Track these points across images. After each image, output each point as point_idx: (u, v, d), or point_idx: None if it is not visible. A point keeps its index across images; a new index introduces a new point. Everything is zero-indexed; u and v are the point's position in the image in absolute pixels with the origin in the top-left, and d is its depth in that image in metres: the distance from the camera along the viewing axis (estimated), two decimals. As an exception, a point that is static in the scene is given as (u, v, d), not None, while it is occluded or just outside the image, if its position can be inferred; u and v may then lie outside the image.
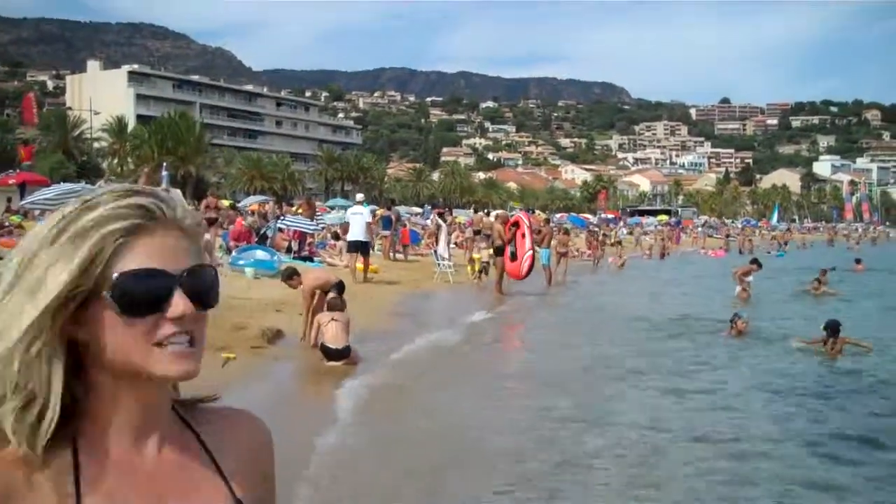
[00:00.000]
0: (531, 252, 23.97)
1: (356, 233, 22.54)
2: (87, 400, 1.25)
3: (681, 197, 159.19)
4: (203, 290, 1.25)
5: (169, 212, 1.25)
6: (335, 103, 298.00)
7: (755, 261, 25.43)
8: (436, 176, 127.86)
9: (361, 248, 22.53)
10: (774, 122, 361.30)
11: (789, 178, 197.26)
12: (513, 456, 8.07)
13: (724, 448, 8.49)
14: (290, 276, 13.87)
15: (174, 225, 1.25)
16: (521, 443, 8.56)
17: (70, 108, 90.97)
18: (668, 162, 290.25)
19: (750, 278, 24.13)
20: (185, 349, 1.22)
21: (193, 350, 1.24)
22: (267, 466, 1.45)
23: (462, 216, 53.76)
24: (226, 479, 1.34)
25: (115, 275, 1.19)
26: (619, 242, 49.36)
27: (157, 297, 1.20)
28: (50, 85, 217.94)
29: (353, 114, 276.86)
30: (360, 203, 24.58)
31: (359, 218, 22.88)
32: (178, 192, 34.16)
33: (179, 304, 1.21)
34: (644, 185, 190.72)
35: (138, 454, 1.28)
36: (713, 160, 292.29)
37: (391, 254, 29.17)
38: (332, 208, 47.65)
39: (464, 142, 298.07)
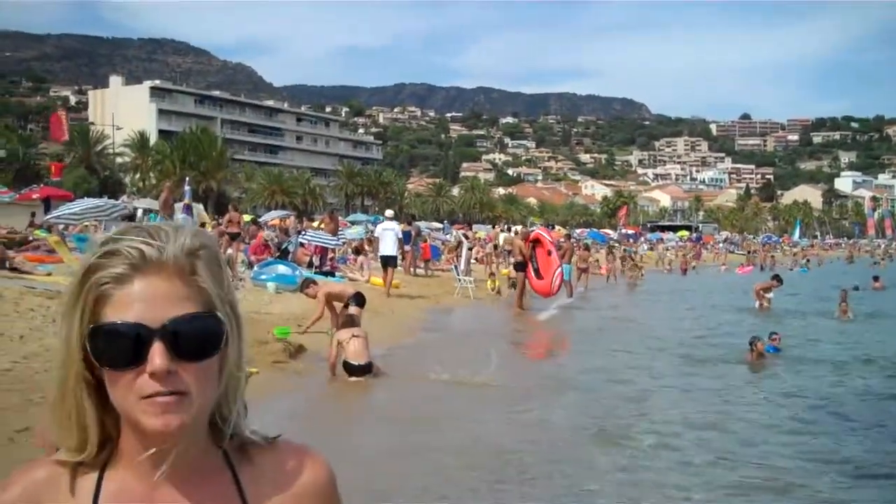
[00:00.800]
0: (560, 269, 23.91)
1: (386, 247, 23.13)
2: (117, 435, 1.29)
3: (701, 213, 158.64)
4: (189, 343, 1.20)
5: (158, 254, 1.21)
6: (355, 119, 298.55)
7: (776, 276, 25.33)
8: (455, 191, 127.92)
9: (390, 262, 23.01)
10: (795, 137, 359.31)
11: (811, 194, 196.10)
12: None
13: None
14: (307, 285, 13.96)
15: (167, 267, 1.21)
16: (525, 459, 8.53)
17: (93, 124, 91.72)
18: (688, 178, 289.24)
19: (770, 294, 24.02)
20: (170, 402, 1.19)
21: (180, 402, 1.20)
22: None
23: (482, 231, 53.83)
24: None
25: (90, 328, 1.20)
26: (631, 258, 49.03)
27: (131, 352, 1.18)
28: (73, 100, 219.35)
29: (374, 129, 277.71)
30: (390, 219, 25.27)
31: (389, 233, 23.49)
32: (200, 206, 34.37)
33: (156, 359, 1.17)
34: (664, 200, 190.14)
35: (156, 489, 1.28)
36: (734, 176, 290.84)
37: (412, 269, 29.20)
38: (353, 223, 47.79)
39: (483, 157, 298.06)
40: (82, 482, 1.29)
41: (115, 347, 1.19)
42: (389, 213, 26.97)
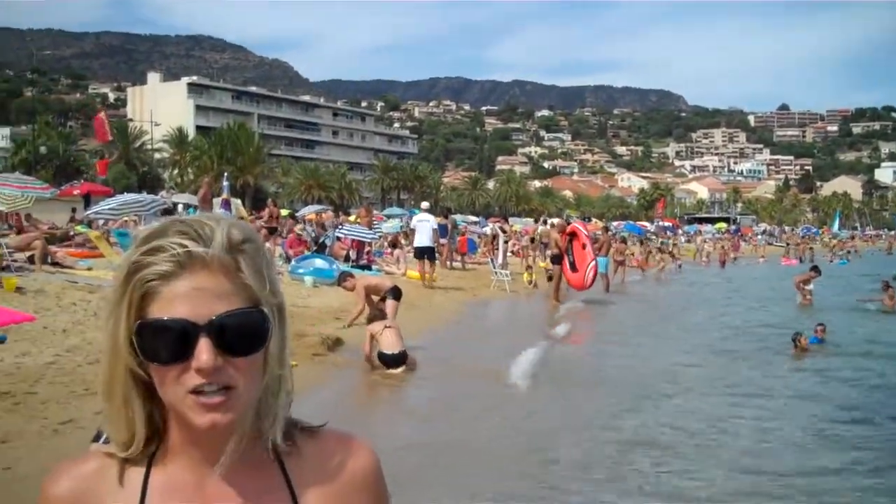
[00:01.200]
0: (594, 262, 23.79)
1: (422, 239, 23.42)
2: (164, 428, 1.32)
3: (739, 204, 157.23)
4: (235, 338, 1.22)
5: (203, 250, 1.22)
6: (391, 113, 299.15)
7: (815, 267, 25.09)
8: (491, 184, 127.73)
9: (427, 253, 23.15)
10: (835, 128, 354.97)
11: (850, 186, 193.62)
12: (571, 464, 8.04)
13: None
14: (344, 278, 14.08)
15: (212, 263, 1.22)
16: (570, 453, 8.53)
17: (131, 120, 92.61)
18: (726, 169, 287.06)
19: (810, 286, 23.79)
20: (215, 399, 1.21)
21: (227, 398, 1.22)
22: (363, 498, 1.39)
23: (518, 224, 53.72)
24: None
25: (137, 324, 1.22)
26: (660, 250, 48.53)
27: (178, 347, 1.20)
28: (111, 97, 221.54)
29: (409, 123, 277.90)
30: (426, 210, 25.53)
31: (425, 225, 23.74)
32: (238, 202, 34.59)
33: (202, 354, 1.19)
34: (702, 192, 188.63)
35: (205, 481, 1.31)
36: (772, 167, 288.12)
37: (448, 262, 29.22)
38: (389, 217, 47.86)
39: (519, 150, 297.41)
40: (131, 474, 1.32)
41: (162, 343, 1.20)
42: (425, 204, 27.14)
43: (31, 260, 17.59)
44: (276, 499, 1.33)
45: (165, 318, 1.20)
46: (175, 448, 1.31)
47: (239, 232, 1.27)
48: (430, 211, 26.09)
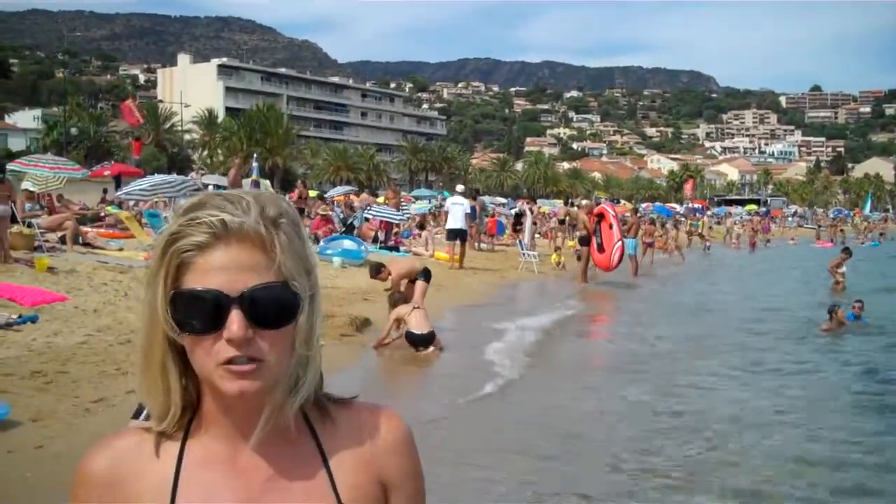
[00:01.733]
0: (620, 243, 23.70)
1: (455, 221, 23.63)
2: (199, 401, 1.35)
3: (770, 186, 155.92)
4: (266, 311, 1.24)
5: (239, 224, 1.25)
6: (419, 94, 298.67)
7: (846, 249, 24.86)
8: (520, 166, 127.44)
9: (460, 235, 23.43)
10: (867, 109, 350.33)
11: (882, 167, 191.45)
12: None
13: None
14: (378, 270, 14.12)
15: (247, 236, 1.25)
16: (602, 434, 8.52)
17: (161, 101, 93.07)
18: (756, 151, 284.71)
19: (843, 269, 23.58)
20: (246, 370, 1.24)
21: (257, 369, 1.24)
22: (395, 469, 1.42)
23: (546, 206, 53.57)
24: (333, 484, 1.36)
25: (171, 293, 1.25)
26: (690, 233, 48.16)
27: (210, 318, 1.23)
28: (142, 78, 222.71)
29: (438, 104, 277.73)
30: (461, 193, 25.69)
31: (458, 208, 24.02)
32: (267, 182, 34.74)
33: (233, 325, 1.22)
34: (732, 174, 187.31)
35: (239, 452, 1.34)
36: (803, 149, 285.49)
37: (476, 244, 29.23)
38: (417, 199, 47.90)
39: (548, 132, 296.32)
40: (167, 446, 1.35)
41: (194, 313, 1.23)
42: (460, 188, 27.25)
43: (62, 240, 17.79)
44: (309, 467, 1.36)
45: (199, 289, 1.23)
46: (209, 420, 1.34)
47: (275, 207, 1.29)
48: (465, 193, 26.17)
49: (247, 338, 1.23)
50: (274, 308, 1.25)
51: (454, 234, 23.55)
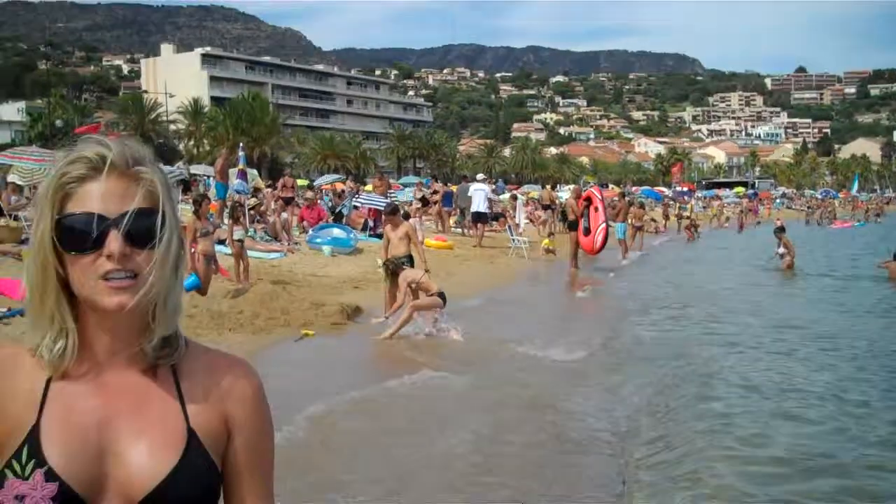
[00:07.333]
0: (604, 226, 23.66)
1: (477, 205, 26.74)
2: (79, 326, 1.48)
3: (757, 168, 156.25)
4: (140, 232, 1.41)
5: (118, 160, 1.43)
6: (405, 81, 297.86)
7: (780, 228, 24.77)
8: (507, 152, 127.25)
9: (482, 217, 26.77)
10: (853, 90, 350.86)
11: (869, 148, 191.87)
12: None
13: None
14: (395, 210, 14.32)
15: (124, 173, 1.43)
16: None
17: (146, 92, 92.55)
18: (743, 133, 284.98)
19: (780, 249, 23.71)
20: (123, 283, 1.40)
21: (133, 283, 1.41)
22: (239, 415, 1.55)
23: (534, 192, 53.56)
24: (185, 411, 1.50)
25: (56, 218, 1.41)
26: (679, 216, 48.28)
27: (90, 236, 1.39)
28: (125, 69, 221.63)
29: (423, 91, 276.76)
30: (482, 181, 29.26)
31: (480, 193, 26.95)
32: (255, 172, 34.58)
33: (112, 243, 1.38)
34: (719, 157, 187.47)
35: (105, 372, 1.48)
36: (790, 130, 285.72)
37: (463, 230, 29.20)
38: (405, 186, 47.73)
39: (534, 117, 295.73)
40: (41, 363, 1.47)
41: (77, 234, 1.40)
42: (481, 176, 30.52)
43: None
44: (166, 400, 1.50)
45: (78, 212, 1.40)
46: (83, 345, 1.47)
47: (141, 149, 1.49)
48: (444, 180, 26.66)
49: (124, 253, 1.39)
50: (146, 229, 1.42)
51: (477, 217, 26.53)
